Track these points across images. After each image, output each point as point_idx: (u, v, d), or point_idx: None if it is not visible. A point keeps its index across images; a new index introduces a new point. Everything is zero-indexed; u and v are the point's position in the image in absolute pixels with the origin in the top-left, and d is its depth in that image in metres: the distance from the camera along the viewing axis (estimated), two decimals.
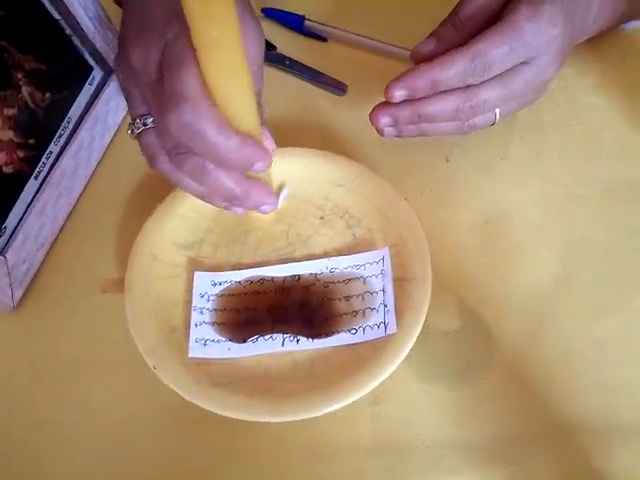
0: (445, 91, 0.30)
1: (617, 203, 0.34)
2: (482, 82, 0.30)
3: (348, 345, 0.29)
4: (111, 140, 0.38)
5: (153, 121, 0.26)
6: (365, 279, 0.31)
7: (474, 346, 0.30)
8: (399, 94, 0.30)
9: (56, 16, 0.34)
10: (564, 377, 0.29)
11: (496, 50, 0.28)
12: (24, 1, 0.32)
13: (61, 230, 0.35)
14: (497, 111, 0.31)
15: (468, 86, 0.30)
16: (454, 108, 0.30)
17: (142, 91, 0.25)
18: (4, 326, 0.32)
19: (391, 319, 0.29)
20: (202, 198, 0.28)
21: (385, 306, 0.30)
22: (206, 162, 0.25)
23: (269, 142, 0.28)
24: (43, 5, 0.33)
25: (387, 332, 0.29)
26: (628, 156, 0.35)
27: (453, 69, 0.29)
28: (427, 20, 0.34)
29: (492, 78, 0.30)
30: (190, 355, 0.29)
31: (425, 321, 0.28)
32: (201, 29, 0.21)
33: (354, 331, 0.29)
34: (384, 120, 0.31)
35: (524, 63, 0.30)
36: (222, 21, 0.20)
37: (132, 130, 0.26)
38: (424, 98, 0.30)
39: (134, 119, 0.26)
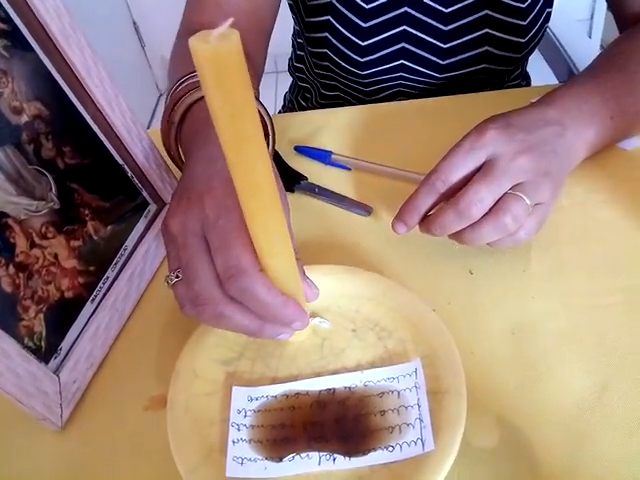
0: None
1: None
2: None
3: (385, 464, 0.29)
4: (160, 265, 0.42)
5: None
6: (399, 392, 0.31)
7: (515, 462, 0.29)
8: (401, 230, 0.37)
9: (120, 161, 0.40)
10: None
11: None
12: (94, 150, 0.38)
13: (109, 349, 0.37)
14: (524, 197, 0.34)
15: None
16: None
17: (176, 251, 0.30)
18: (51, 444, 0.33)
19: (428, 435, 0.29)
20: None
21: (421, 421, 0.29)
22: (224, 310, 0.29)
23: (310, 291, 0.32)
24: (110, 153, 0.39)
25: (425, 449, 0.28)
26: None
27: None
28: (434, 148, 0.39)
29: None
30: (228, 475, 0.29)
31: (462, 436, 0.28)
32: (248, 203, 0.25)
33: (391, 449, 0.29)
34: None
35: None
36: (266, 192, 0.25)
37: (167, 281, 0.31)
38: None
39: (170, 272, 0.31)
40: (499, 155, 0.35)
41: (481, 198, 0.33)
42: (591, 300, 0.35)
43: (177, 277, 0.30)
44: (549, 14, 0.59)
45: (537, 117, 0.38)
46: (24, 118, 0.32)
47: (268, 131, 0.42)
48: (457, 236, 0.36)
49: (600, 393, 0.31)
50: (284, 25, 0.68)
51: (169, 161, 0.43)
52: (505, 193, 0.34)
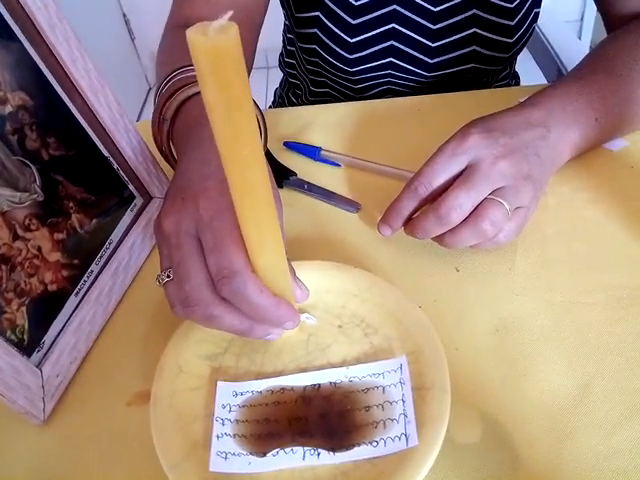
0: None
1: (623, 310, 0.35)
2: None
3: (369, 459, 0.29)
4: (145, 259, 0.42)
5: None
6: (384, 388, 0.31)
7: (498, 458, 0.29)
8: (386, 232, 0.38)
9: (106, 154, 0.39)
10: None
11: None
12: (79, 142, 0.37)
13: (93, 343, 0.37)
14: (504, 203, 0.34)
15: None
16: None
17: (169, 251, 0.30)
18: (33, 438, 0.32)
19: (412, 431, 0.29)
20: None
21: (405, 416, 0.30)
22: (213, 311, 0.29)
23: (300, 292, 0.32)
24: (95, 145, 0.38)
25: (408, 445, 0.28)
26: (628, 264, 0.37)
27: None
28: (423, 145, 0.39)
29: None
30: (211, 469, 0.28)
31: (446, 432, 0.28)
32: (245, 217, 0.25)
33: (375, 444, 0.29)
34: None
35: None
36: (261, 199, 0.25)
37: (159, 281, 0.31)
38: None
39: (161, 271, 0.31)
40: (480, 160, 0.35)
41: (460, 204, 0.34)
42: (575, 298, 0.36)
43: (168, 277, 0.30)
44: (537, 14, 0.59)
45: (521, 119, 0.38)
46: (8, 108, 0.32)
47: (260, 128, 0.41)
48: (439, 239, 0.37)
49: (582, 390, 0.31)
50: (276, 20, 0.67)
51: (157, 155, 0.42)
52: (485, 198, 0.34)
